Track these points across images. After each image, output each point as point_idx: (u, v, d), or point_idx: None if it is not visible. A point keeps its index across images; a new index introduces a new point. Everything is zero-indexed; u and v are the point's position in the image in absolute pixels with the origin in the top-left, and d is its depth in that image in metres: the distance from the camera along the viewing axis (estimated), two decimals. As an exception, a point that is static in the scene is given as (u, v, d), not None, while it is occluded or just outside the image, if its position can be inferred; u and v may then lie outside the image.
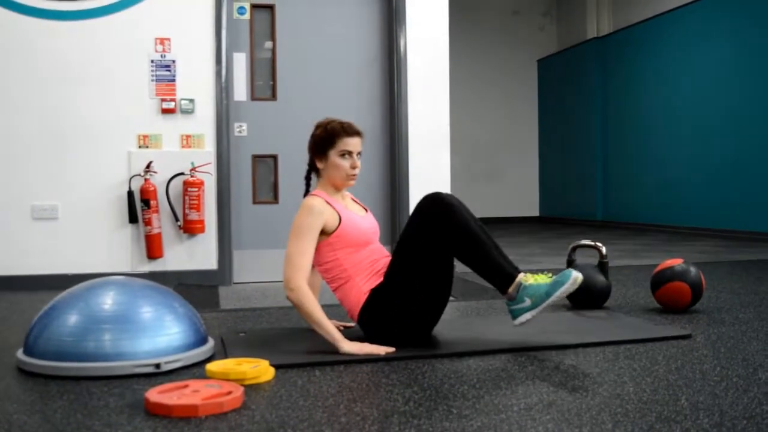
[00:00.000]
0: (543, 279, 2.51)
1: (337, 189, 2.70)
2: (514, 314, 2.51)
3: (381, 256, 2.66)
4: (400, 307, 2.52)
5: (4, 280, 4.29)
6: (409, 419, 1.76)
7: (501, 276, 2.50)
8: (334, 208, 2.60)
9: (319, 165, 2.69)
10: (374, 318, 2.56)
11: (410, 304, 2.52)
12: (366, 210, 2.82)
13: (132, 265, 4.42)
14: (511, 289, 2.49)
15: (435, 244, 2.50)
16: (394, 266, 2.56)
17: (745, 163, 7.37)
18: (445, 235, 2.48)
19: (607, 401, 1.88)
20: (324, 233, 2.57)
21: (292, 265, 2.48)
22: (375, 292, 2.55)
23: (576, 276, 2.45)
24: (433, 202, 2.52)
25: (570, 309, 3.30)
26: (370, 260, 2.61)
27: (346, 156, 2.65)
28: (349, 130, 2.66)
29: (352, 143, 2.65)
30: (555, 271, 2.61)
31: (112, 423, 1.77)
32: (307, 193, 2.76)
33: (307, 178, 2.81)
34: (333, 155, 2.65)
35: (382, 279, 2.57)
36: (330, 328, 2.44)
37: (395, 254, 2.58)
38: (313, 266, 2.66)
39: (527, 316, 2.48)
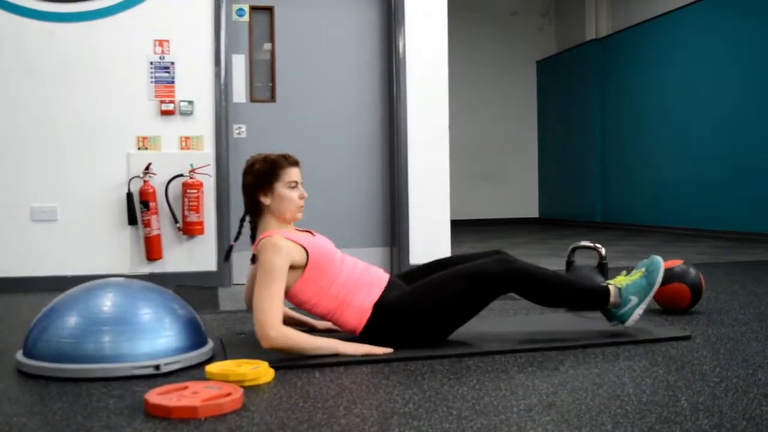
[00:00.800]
0: (625, 279, 2.65)
1: (287, 222, 2.59)
2: (624, 317, 2.63)
3: (368, 266, 2.60)
4: (411, 322, 2.49)
5: (3, 282, 4.28)
6: (409, 420, 1.76)
7: (596, 295, 2.62)
8: (295, 242, 2.46)
9: (265, 201, 2.55)
10: (380, 330, 2.51)
11: (428, 322, 2.50)
12: (313, 233, 2.70)
13: (131, 267, 4.42)
14: (613, 299, 2.62)
15: (487, 297, 2.52)
16: (427, 293, 2.50)
17: (744, 164, 7.38)
18: (526, 294, 2.54)
19: (606, 402, 1.88)
20: (295, 269, 2.45)
21: (265, 310, 2.30)
22: (379, 307, 2.49)
23: (660, 259, 2.67)
24: (505, 269, 2.50)
25: (570, 310, 3.30)
26: (356, 275, 2.53)
27: (294, 187, 2.57)
28: (291, 160, 2.58)
29: (295, 173, 2.58)
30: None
31: (112, 425, 1.77)
32: (253, 237, 2.63)
33: (242, 221, 2.71)
34: (280, 187, 2.54)
35: (381, 291, 2.52)
36: (325, 344, 2.36)
37: (430, 284, 2.52)
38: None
39: (639, 311, 2.62)
